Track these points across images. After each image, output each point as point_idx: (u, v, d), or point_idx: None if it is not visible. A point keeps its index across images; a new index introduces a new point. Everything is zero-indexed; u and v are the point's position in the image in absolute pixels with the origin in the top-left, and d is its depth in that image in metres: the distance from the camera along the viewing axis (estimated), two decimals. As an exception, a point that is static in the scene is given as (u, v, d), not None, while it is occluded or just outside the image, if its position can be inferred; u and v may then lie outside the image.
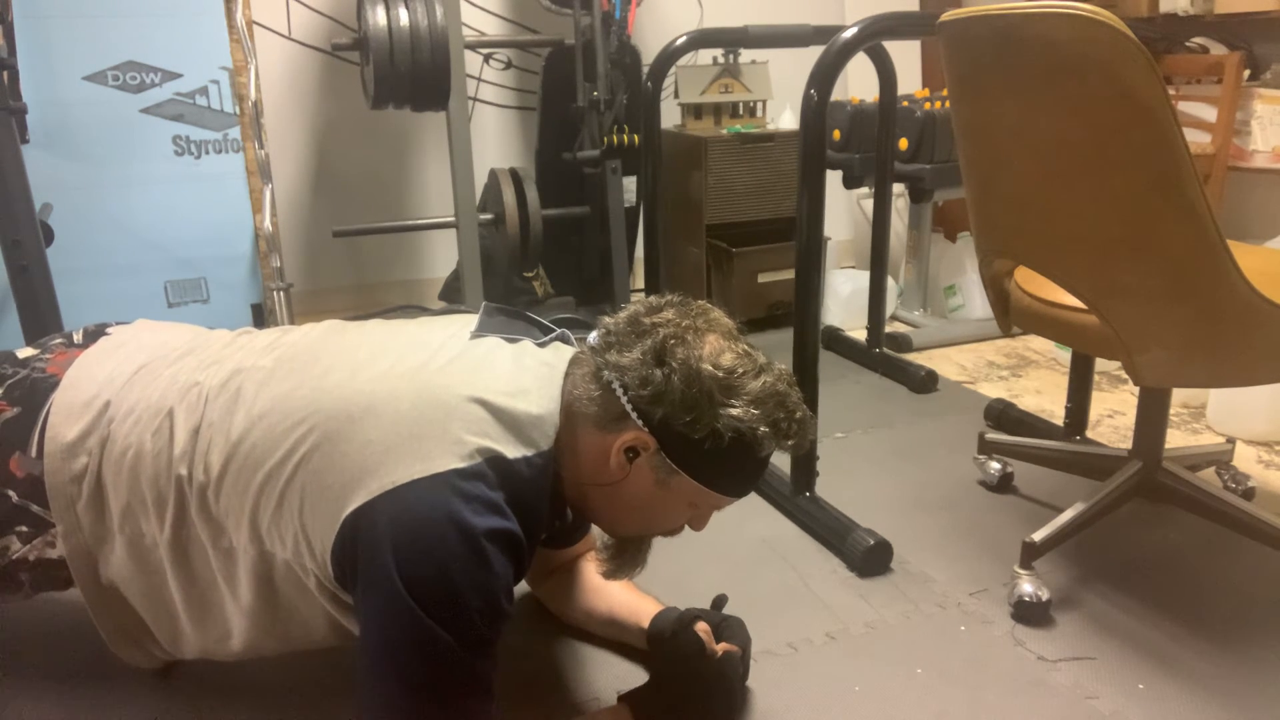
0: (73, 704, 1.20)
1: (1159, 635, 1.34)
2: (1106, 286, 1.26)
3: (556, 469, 1.02)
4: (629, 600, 1.30)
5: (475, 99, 2.98)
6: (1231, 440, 1.95)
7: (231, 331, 1.18)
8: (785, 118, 2.98)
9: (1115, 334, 1.27)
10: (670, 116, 2.84)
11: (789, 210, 2.86)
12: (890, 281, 2.66)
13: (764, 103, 2.95)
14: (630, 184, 2.73)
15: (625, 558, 1.14)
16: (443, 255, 3.08)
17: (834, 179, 2.58)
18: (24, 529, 1.05)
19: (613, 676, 1.26)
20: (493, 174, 2.67)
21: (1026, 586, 1.38)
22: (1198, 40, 2.84)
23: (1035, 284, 1.45)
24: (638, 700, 1.11)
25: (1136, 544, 1.58)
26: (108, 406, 1.05)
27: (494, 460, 0.94)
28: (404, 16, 2.25)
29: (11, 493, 1.04)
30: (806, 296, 1.62)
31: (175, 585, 1.05)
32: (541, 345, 1.10)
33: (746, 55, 2.89)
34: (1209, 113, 2.78)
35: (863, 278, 2.62)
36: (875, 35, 1.59)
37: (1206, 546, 1.57)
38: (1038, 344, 2.67)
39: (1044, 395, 2.30)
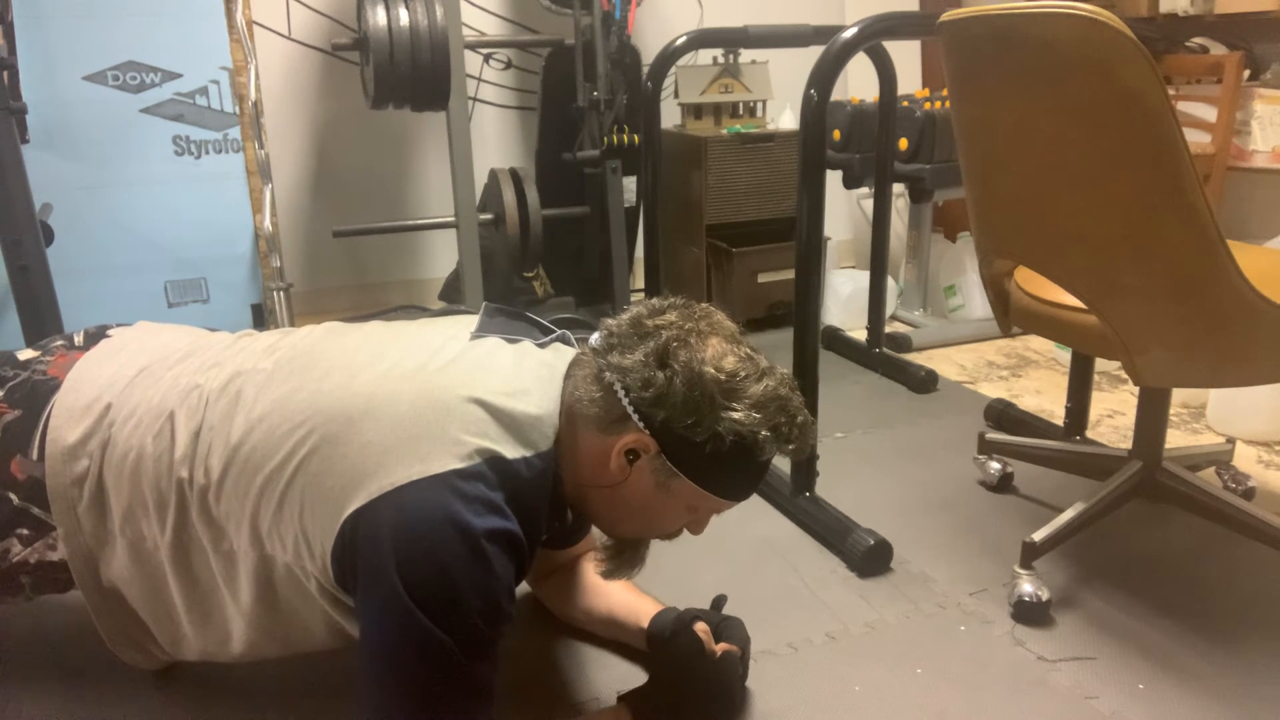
0: (73, 704, 1.20)
1: (1159, 635, 1.34)
2: (1106, 286, 1.26)
3: (556, 470, 1.02)
4: (628, 600, 1.30)
5: (475, 99, 2.98)
6: (1231, 440, 1.95)
7: (232, 334, 1.18)
8: (785, 118, 2.98)
9: (1115, 334, 1.27)
10: (670, 116, 2.83)
11: (789, 210, 2.86)
12: (890, 281, 2.66)
13: (764, 103, 2.95)
14: (630, 184, 2.73)
15: (624, 558, 1.14)
16: (443, 255, 3.08)
17: (834, 179, 2.58)
18: (25, 532, 1.05)
19: (613, 676, 1.26)
20: (493, 174, 2.67)
21: (1026, 586, 1.38)
22: (1198, 40, 2.84)
23: (1035, 284, 1.45)
24: (637, 700, 1.11)
25: (1136, 544, 1.58)
26: (109, 409, 1.05)
27: (493, 461, 0.94)
28: (404, 16, 2.25)
29: (12, 495, 1.04)
30: (806, 296, 1.62)
31: (176, 588, 1.05)
32: (542, 346, 1.10)
33: (746, 55, 2.89)
34: (1209, 113, 2.78)
35: (863, 278, 2.62)
36: (875, 35, 1.59)
37: (1206, 546, 1.57)
38: (1038, 344, 2.67)
39: (1044, 395, 2.30)
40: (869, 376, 2.47)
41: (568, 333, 1.15)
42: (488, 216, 2.62)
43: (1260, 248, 1.59)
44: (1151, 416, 1.57)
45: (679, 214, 2.93)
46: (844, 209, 3.49)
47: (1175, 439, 1.99)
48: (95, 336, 1.17)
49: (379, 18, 2.24)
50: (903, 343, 2.64)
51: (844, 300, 2.86)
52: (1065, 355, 2.35)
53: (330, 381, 1.00)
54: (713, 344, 0.99)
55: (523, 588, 1.36)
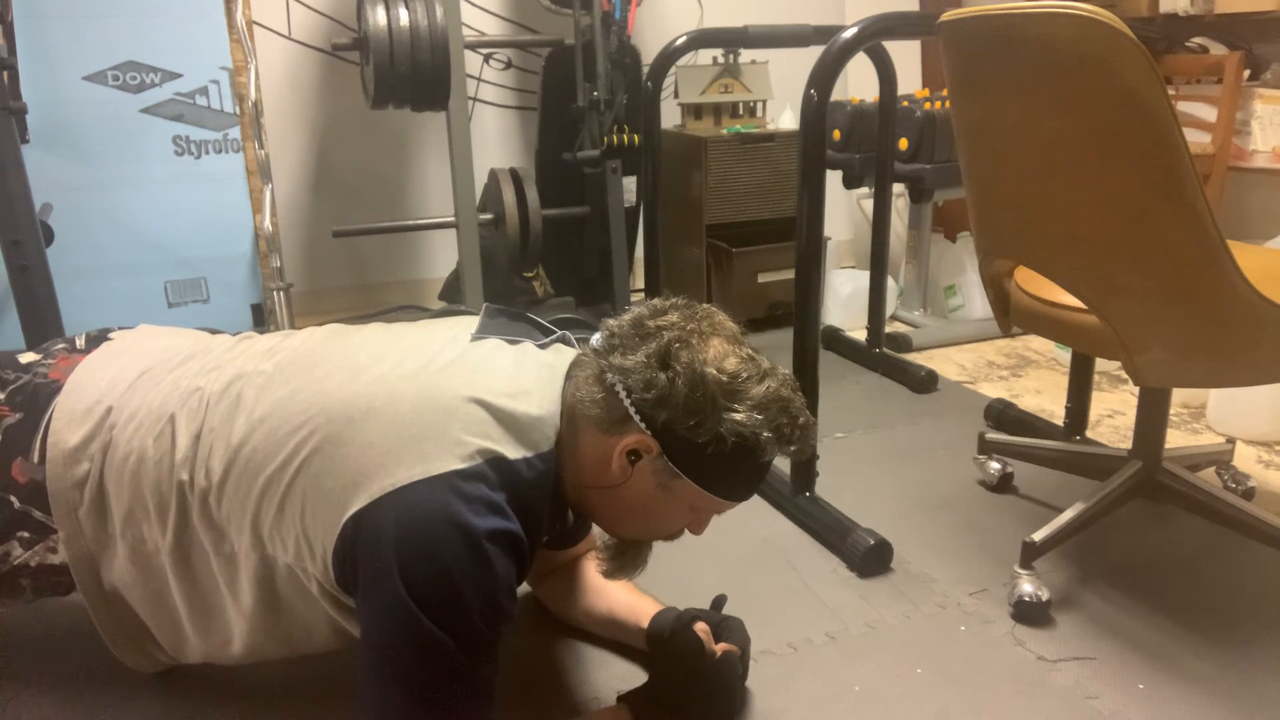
0: (74, 706, 1.20)
1: (1159, 635, 1.34)
2: (1106, 286, 1.26)
3: (557, 470, 1.02)
4: (629, 600, 1.30)
5: (475, 99, 2.98)
6: (1231, 440, 1.95)
7: (233, 336, 1.18)
8: (785, 118, 2.98)
9: (1115, 334, 1.27)
10: (670, 116, 2.83)
11: (789, 210, 2.86)
12: (890, 281, 2.66)
13: (764, 103, 2.95)
14: (630, 184, 2.73)
15: (626, 558, 1.14)
16: (443, 255, 3.08)
17: (834, 179, 2.58)
18: (26, 535, 1.05)
19: (613, 676, 1.26)
20: (493, 174, 2.67)
21: (1026, 586, 1.39)
22: (1198, 40, 2.84)
23: (1035, 284, 1.45)
24: (637, 700, 1.11)
25: (1136, 544, 1.58)
26: (110, 412, 1.05)
27: (495, 461, 0.94)
28: (404, 16, 2.25)
29: (13, 498, 1.04)
30: (806, 296, 1.62)
31: (177, 590, 1.05)
32: (543, 347, 1.10)
33: (746, 55, 2.88)
34: (1209, 113, 2.78)
35: (863, 278, 2.63)
36: (875, 35, 1.59)
37: (1206, 546, 1.57)
38: (1038, 344, 2.67)
39: (1044, 395, 2.30)
40: (869, 376, 2.47)
41: (568, 333, 1.15)
42: (488, 216, 2.62)
43: (1260, 248, 1.59)
44: (1151, 416, 1.57)
45: (679, 214, 2.93)
46: (844, 209, 3.49)
47: (1175, 439, 1.99)
48: (97, 339, 1.17)
49: (379, 18, 2.24)
50: (903, 343, 2.64)
51: (844, 300, 2.86)
52: (1065, 355, 2.35)
53: (331, 382, 1.00)
54: (714, 345, 0.99)
55: (523, 588, 1.36)
